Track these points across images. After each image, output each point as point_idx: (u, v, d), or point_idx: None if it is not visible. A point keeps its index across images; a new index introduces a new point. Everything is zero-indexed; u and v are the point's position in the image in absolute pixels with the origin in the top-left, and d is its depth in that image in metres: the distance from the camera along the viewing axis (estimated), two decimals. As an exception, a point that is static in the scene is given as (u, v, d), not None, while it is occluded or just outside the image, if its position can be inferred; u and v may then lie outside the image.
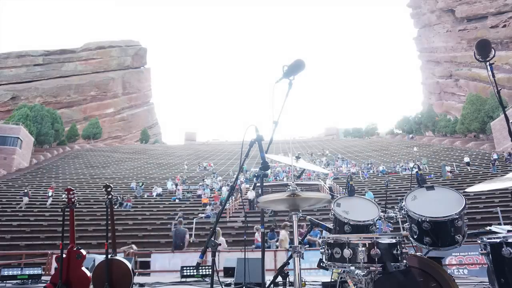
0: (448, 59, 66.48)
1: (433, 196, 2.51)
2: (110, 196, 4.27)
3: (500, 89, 2.44)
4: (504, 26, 53.52)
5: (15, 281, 5.33)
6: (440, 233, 2.30)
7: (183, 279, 5.68)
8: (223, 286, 4.29)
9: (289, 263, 2.99)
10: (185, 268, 5.85)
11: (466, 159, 28.73)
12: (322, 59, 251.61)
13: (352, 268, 1.98)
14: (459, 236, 2.28)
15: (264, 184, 2.50)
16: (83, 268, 4.00)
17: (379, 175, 27.96)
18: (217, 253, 2.27)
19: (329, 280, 3.34)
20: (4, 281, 5.27)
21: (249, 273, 4.20)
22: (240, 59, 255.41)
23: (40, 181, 29.36)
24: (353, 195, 3.05)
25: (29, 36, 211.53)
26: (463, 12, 60.67)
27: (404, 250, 2.00)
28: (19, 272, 5.48)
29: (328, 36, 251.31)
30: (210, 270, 5.54)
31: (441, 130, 53.98)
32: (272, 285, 3.19)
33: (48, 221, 18.00)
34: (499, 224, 11.63)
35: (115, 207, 11.38)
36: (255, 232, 11.25)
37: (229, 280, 4.85)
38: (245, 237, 5.47)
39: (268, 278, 3.38)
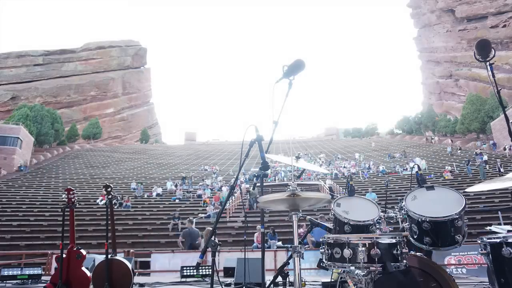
0: (448, 59, 66.50)
1: (433, 196, 2.51)
2: (110, 196, 4.27)
3: (500, 89, 2.44)
4: (504, 26, 53.54)
5: (15, 281, 5.34)
6: (440, 233, 2.30)
7: (183, 279, 5.68)
8: (223, 286, 4.29)
9: (289, 263, 2.99)
10: (185, 268, 5.86)
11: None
12: (322, 59, 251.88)
13: (352, 268, 1.98)
14: (459, 236, 2.28)
15: (264, 184, 2.50)
16: (83, 268, 4.01)
17: (379, 175, 27.96)
18: (217, 253, 2.27)
19: (329, 280, 3.34)
20: (4, 281, 5.28)
21: (249, 273, 4.20)
22: (240, 59, 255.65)
23: (40, 181, 29.36)
24: (353, 195, 3.05)
25: (29, 36, 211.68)
26: (463, 12, 60.69)
27: (404, 250, 2.00)
28: (19, 272, 5.48)
29: (328, 36, 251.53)
30: (210, 270, 5.54)
31: (441, 130, 53.99)
32: (272, 285, 3.19)
33: (48, 221, 18.00)
34: (499, 224, 11.63)
35: (115, 207, 11.38)
36: (256, 232, 11.26)
37: (229, 280, 4.85)
38: (245, 237, 5.48)
39: (268, 278, 3.38)
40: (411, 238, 2.45)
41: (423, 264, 2.28)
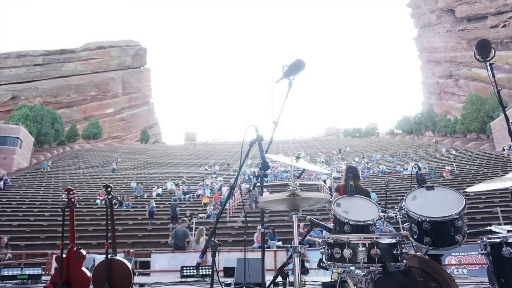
0: (448, 59, 66.52)
1: (433, 196, 2.51)
2: (110, 196, 4.27)
3: (500, 89, 2.44)
4: (504, 26, 53.55)
5: (15, 281, 5.34)
6: (440, 233, 2.30)
7: (183, 279, 5.68)
8: (223, 286, 4.29)
9: (289, 263, 2.99)
10: (185, 268, 5.86)
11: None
12: (322, 59, 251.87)
13: (352, 268, 1.98)
14: (459, 236, 2.27)
15: (264, 184, 2.50)
16: (83, 268, 4.01)
17: (379, 175, 27.96)
18: (217, 253, 2.27)
19: (329, 280, 3.34)
20: (4, 281, 5.28)
21: (249, 273, 4.20)
22: (240, 59, 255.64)
23: (40, 181, 29.36)
24: (353, 195, 3.05)
25: (29, 36, 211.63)
26: (463, 12, 60.70)
27: (404, 250, 2.00)
28: (19, 272, 5.48)
29: (328, 36, 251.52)
30: (210, 270, 5.54)
31: (441, 130, 54.00)
32: (272, 285, 3.18)
33: (48, 221, 18.01)
34: (499, 224, 11.63)
35: (115, 207, 11.38)
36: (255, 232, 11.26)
37: (229, 280, 4.85)
38: (245, 237, 5.48)
39: (268, 278, 3.38)
40: (411, 238, 2.45)
41: (423, 264, 2.28)
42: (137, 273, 8.26)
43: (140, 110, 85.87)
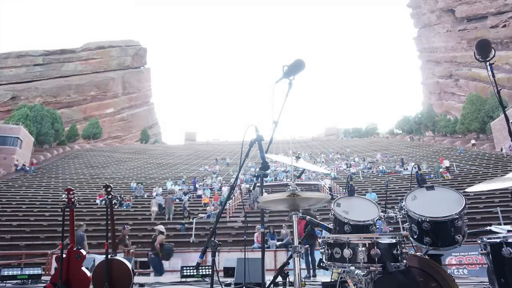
0: (448, 59, 66.53)
1: (433, 196, 2.51)
2: (110, 196, 4.28)
3: (500, 89, 2.44)
4: (504, 26, 53.57)
5: (15, 281, 5.34)
6: (440, 233, 2.31)
7: (183, 279, 5.69)
8: (223, 286, 4.29)
9: (289, 263, 2.99)
10: (185, 268, 5.86)
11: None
12: (322, 59, 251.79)
13: (352, 268, 1.98)
14: (459, 236, 2.28)
15: (264, 184, 2.50)
16: (83, 268, 4.01)
17: (379, 175, 27.96)
18: (217, 253, 2.27)
19: (329, 280, 3.34)
20: (4, 281, 5.28)
21: (249, 273, 4.20)
22: (240, 59, 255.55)
23: (40, 181, 29.36)
24: (353, 195, 3.05)
25: (29, 36, 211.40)
26: (463, 12, 60.72)
27: (404, 250, 2.00)
28: (19, 272, 5.48)
29: (328, 36, 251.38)
30: (210, 270, 5.54)
31: (441, 130, 54.00)
32: (272, 285, 3.19)
33: (48, 221, 18.00)
34: (499, 224, 11.63)
35: (115, 207, 11.38)
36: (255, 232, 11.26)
37: (229, 280, 4.85)
38: (245, 237, 5.48)
39: (268, 278, 3.38)
40: (411, 238, 2.45)
41: (423, 264, 2.28)
42: (137, 273, 8.27)
43: (140, 110, 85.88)
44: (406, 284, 2.21)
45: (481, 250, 2.14)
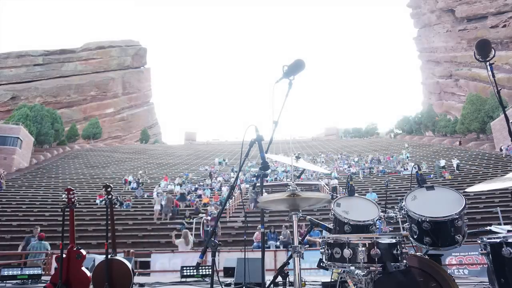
0: (448, 59, 66.52)
1: (433, 196, 2.51)
2: (110, 196, 4.28)
3: (500, 89, 2.44)
4: (504, 26, 53.56)
5: (15, 281, 5.34)
6: (440, 233, 2.31)
7: (183, 279, 5.68)
8: (223, 286, 4.29)
9: (289, 263, 2.99)
10: (185, 268, 5.86)
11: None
12: (322, 59, 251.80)
13: (352, 268, 1.98)
14: (459, 236, 2.28)
15: (264, 184, 2.50)
16: (83, 268, 4.01)
17: (379, 175, 27.96)
18: (217, 253, 2.27)
19: (329, 280, 3.34)
20: (4, 281, 5.28)
21: (249, 273, 4.20)
22: (240, 59, 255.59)
23: (40, 181, 29.36)
24: (353, 195, 3.05)
25: (29, 36, 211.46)
26: (463, 12, 60.71)
27: (404, 250, 2.00)
28: (19, 272, 5.48)
29: (328, 36, 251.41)
30: (210, 270, 5.54)
31: (441, 130, 54.00)
32: (272, 285, 3.19)
33: (48, 221, 17.99)
34: (499, 224, 11.63)
35: (115, 207, 11.38)
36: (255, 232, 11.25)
37: (229, 280, 4.85)
38: (245, 237, 5.48)
39: (268, 278, 3.38)
40: (411, 238, 2.45)
41: (423, 264, 2.28)
42: (137, 273, 8.26)
43: (140, 110, 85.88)
44: (406, 284, 2.21)
45: (481, 250, 2.14)
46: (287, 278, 3.26)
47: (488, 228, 3.49)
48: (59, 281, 3.79)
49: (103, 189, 4.38)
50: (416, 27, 79.31)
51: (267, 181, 24.66)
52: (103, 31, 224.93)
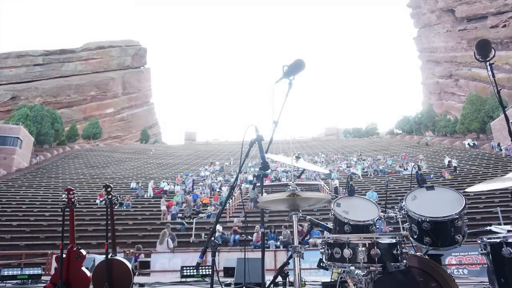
0: (448, 59, 66.53)
1: (433, 196, 2.51)
2: (110, 196, 4.27)
3: (500, 89, 2.44)
4: (504, 26, 53.56)
5: (15, 281, 5.34)
6: (440, 233, 2.31)
7: (183, 279, 5.68)
8: (223, 286, 4.29)
9: (289, 263, 2.99)
10: (185, 268, 5.86)
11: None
12: (322, 59, 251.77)
13: (352, 268, 1.98)
14: (459, 236, 2.28)
15: (264, 184, 2.50)
16: (83, 268, 4.01)
17: (379, 175, 27.95)
18: (217, 253, 2.27)
19: (329, 280, 3.34)
20: (4, 281, 5.28)
21: (249, 273, 4.20)
22: (240, 59, 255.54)
23: (40, 181, 29.36)
24: (353, 195, 3.05)
25: (29, 36, 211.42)
26: (463, 12, 60.71)
27: (404, 250, 2.00)
28: (19, 272, 5.48)
29: (328, 36, 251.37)
30: (210, 270, 5.54)
31: (441, 130, 53.99)
32: (272, 285, 3.19)
33: (48, 221, 18.00)
34: (499, 224, 11.64)
35: (115, 207, 11.40)
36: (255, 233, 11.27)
37: (229, 280, 4.85)
38: (245, 237, 5.47)
39: (268, 278, 3.38)
40: (411, 238, 2.45)
41: (423, 264, 2.28)
42: (137, 273, 8.27)
43: (140, 110, 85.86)
44: (406, 284, 2.21)
45: (481, 250, 2.14)
46: (287, 278, 3.26)
47: (488, 228, 3.49)
48: (59, 281, 3.79)
49: (103, 189, 4.38)
50: (416, 27, 79.33)
51: (271, 180, 24.75)
52: (103, 31, 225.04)
